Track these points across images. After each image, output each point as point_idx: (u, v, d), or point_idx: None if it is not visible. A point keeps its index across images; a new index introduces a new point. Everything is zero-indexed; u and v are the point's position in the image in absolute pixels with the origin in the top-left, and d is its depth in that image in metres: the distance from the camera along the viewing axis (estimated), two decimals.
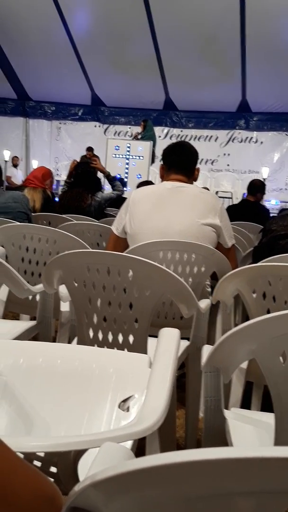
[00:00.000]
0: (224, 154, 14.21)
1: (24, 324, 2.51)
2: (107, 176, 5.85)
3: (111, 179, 5.79)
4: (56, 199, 5.60)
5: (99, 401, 1.28)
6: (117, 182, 5.74)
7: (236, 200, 11.47)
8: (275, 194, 13.37)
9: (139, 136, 12.48)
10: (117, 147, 12.04)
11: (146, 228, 2.70)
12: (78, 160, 13.38)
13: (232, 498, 0.52)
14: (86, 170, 5.52)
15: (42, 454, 0.93)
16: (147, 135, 12.24)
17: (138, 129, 13.04)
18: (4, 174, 4.84)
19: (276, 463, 0.47)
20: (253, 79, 12.42)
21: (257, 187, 5.80)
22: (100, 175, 5.97)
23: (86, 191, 5.06)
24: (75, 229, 3.63)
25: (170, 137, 14.05)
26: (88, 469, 0.77)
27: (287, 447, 0.47)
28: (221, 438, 1.45)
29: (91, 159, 6.22)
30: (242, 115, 13.87)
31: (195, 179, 3.00)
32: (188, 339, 2.33)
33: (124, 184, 9.38)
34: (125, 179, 11.41)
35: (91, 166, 5.84)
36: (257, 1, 10.48)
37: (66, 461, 0.94)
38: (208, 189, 9.24)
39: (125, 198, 2.98)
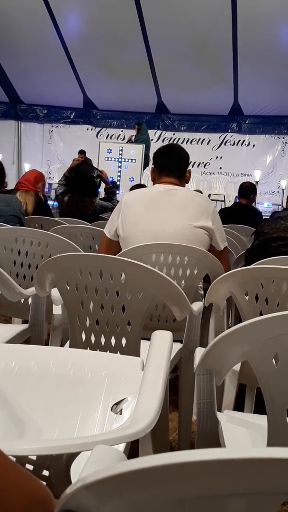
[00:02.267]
0: (217, 157, 14.23)
1: (16, 327, 2.50)
2: (107, 188, 5.88)
3: (110, 192, 5.81)
4: (49, 202, 5.59)
5: (92, 404, 1.28)
6: (115, 197, 5.76)
7: (228, 203, 11.50)
8: (267, 197, 13.41)
9: (133, 139, 12.48)
10: (109, 150, 12.05)
11: (139, 231, 2.70)
12: (71, 163, 13.43)
13: (223, 499, 0.52)
14: (83, 174, 5.52)
15: (34, 458, 0.92)
16: (141, 138, 12.25)
17: (131, 132, 13.05)
18: None
19: (267, 464, 0.47)
20: (245, 83, 12.45)
21: (248, 189, 5.80)
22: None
23: (89, 197, 5.09)
24: (67, 232, 3.63)
25: (163, 140, 14.05)
26: (80, 472, 0.77)
27: (278, 448, 0.47)
28: (214, 440, 1.45)
29: (99, 170, 6.26)
30: (234, 118, 13.90)
31: (187, 181, 3.00)
32: (181, 341, 2.33)
33: (117, 187, 9.39)
34: (118, 182, 11.42)
35: (98, 174, 5.87)
36: (249, 5, 10.52)
37: (59, 465, 0.94)
38: (201, 192, 9.24)
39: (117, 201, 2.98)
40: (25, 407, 1.28)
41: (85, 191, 5.13)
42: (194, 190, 8.82)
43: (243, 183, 6.03)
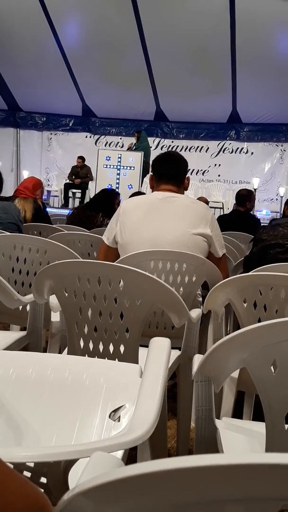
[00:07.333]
0: (215, 165, 14.26)
1: (14, 334, 2.49)
2: None
3: None
4: (48, 209, 5.57)
5: (90, 411, 1.28)
6: None
7: (227, 211, 11.51)
8: (266, 204, 13.44)
9: (133, 147, 12.49)
10: (108, 158, 12.06)
11: (137, 238, 2.71)
12: (69, 170, 13.45)
13: (221, 505, 0.52)
14: (107, 196, 5.43)
15: (32, 465, 0.92)
16: (141, 146, 12.27)
17: (130, 139, 13.07)
18: None
19: (265, 470, 0.47)
20: (244, 90, 12.49)
21: (243, 197, 5.80)
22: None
23: (100, 212, 5.05)
24: (66, 239, 3.63)
25: (161, 148, 14.08)
26: (78, 479, 0.77)
27: (276, 453, 0.47)
28: (213, 447, 1.45)
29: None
30: (233, 126, 13.94)
31: (186, 188, 3.01)
32: (179, 348, 2.33)
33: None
34: (117, 189, 11.44)
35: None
36: (247, 13, 10.56)
37: (56, 472, 0.93)
38: (207, 200, 9.16)
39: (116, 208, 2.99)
40: (23, 414, 1.27)
41: (98, 206, 5.07)
42: (200, 197, 8.80)
43: (239, 190, 6.04)
